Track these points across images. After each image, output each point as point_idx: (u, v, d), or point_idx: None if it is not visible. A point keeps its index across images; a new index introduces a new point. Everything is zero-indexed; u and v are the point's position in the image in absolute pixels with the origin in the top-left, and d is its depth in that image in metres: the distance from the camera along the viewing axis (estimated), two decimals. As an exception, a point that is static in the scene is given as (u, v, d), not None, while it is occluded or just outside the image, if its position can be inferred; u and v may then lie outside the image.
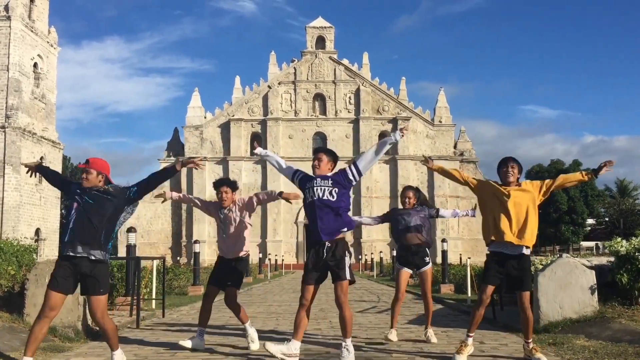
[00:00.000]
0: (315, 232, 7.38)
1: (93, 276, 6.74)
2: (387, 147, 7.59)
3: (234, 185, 8.88)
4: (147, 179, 7.06)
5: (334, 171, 7.71)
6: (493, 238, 7.54)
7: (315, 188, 7.44)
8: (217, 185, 8.81)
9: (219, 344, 9.02)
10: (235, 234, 8.71)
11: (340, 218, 7.39)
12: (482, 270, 7.82)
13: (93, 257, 6.70)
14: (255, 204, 8.75)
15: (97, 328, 7.68)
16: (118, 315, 12.19)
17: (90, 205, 6.76)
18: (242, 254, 8.80)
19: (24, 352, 6.59)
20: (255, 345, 8.59)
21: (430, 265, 9.43)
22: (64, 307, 9.29)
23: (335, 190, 7.44)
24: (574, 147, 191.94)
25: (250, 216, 8.85)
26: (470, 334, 7.62)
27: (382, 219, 9.64)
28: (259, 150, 8.20)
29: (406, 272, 9.34)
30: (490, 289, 7.59)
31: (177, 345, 8.82)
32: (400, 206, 9.67)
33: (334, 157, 7.85)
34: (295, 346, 7.31)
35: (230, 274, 8.72)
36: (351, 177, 7.57)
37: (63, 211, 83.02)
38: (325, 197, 7.40)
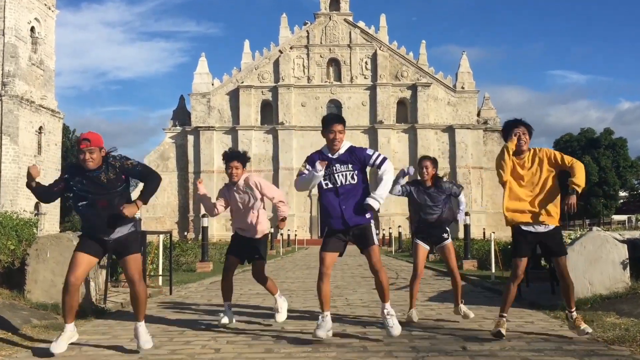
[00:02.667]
0: (338, 219, 7.47)
1: (126, 243, 7.09)
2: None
3: (245, 160, 8.89)
4: (146, 187, 7.13)
5: (345, 145, 7.65)
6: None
7: (336, 175, 7.51)
8: (228, 159, 8.78)
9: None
10: (254, 213, 8.78)
11: (362, 202, 7.47)
12: (511, 243, 7.80)
13: (123, 234, 7.04)
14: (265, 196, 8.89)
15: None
16: (123, 293, 12.30)
17: (105, 188, 6.91)
18: (264, 234, 8.91)
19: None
20: (280, 317, 8.70)
21: (450, 240, 9.37)
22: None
23: (355, 174, 7.51)
24: (609, 114, 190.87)
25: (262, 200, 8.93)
26: (504, 314, 7.63)
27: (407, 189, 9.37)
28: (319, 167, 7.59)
29: (424, 247, 9.23)
30: (523, 262, 7.58)
31: (184, 322, 8.92)
32: (417, 177, 9.54)
33: (345, 126, 7.81)
34: (329, 320, 7.50)
35: (253, 249, 8.85)
36: (371, 162, 7.56)
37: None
38: (347, 183, 7.49)
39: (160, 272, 14.73)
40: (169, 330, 8.40)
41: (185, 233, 62.17)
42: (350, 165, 7.51)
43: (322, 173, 7.40)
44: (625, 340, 7.20)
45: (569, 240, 11.33)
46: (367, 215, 7.51)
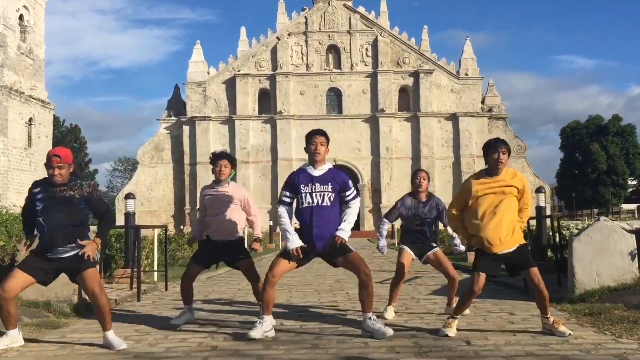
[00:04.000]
0: (309, 240, 7.64)
1: (80, 259, 7.15)
2: None
3: (234, 162, 9.05)
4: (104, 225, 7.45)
5: (327, 166, 7.83)
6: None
7: (314, 194, 7.68)
8: (216, 158, 8.90)
9: (224, 318, 9.12)
10: (231, 212, 8.84)
11: (335, 224, 7.66)
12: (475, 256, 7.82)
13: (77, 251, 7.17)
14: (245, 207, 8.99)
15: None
16: (117, 289, 12.33)
17: (66, 205, 7.13)
18: (239, 236, 8.98)
19: None
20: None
21: (438, 248, 9.49)
22: (59, 281, 9.42)
23: (333, 196, 7.71)
24: (619, 99, 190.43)
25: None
26: (457, 317, 7.74)
27: (395, 217, 9.51)
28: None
29: (409, 252, 9.29)
30: (483, 277, 7.58)
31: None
32: (409, 190, 9.71)
33: (328, 141, 7.98)
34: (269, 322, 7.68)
35: (232, 252, 8.87)
36: (347, 195, 7.77)
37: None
38: (324, 204, 7.67)
39: (156, 268, 14.76)
40: (165, 328, 8.42)
41: (182, 227, 62.10)
42: (330, 187, 7.69)
43: (290, 249, 7.64)
44: (634, 333, 7.23)
45: (576, 231, 11.35)
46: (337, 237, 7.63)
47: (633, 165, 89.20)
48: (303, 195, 7.66)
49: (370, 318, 7.56)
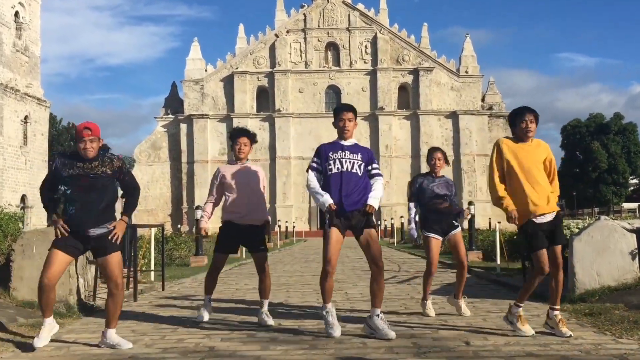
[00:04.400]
0: (337, 202, 7.60)
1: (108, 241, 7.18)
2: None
3: (253, 138, 8.89)
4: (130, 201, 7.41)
5: (354, 140, 7.87)
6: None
7: (344, 160, 7.68)
8: (236, 135, 8.76)
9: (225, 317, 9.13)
10: (258, 194, 8.72)
11: (364, 195, 7.66)
12: (526, 237, 7.61)
13: (106, 231, 7.16)
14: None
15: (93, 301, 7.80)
16: (113, 289, 12.33)
17: (97, 180, 7.06)
18: (265, 220, 8.80)
19: None
20: (270, 320, 8.60)
21: (460, 229, 9.42)
22: (54, 280, 9.42)
23: (362, 166, 7.75)
24: (621, 98, 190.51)
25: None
26: (521, 304, 7.58)
27: (415, 196, 9.36)
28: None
29: (436, 239, 9.19)
30: (544, 254, 7.46)
31: (177, 319, 8.95)
32: (424, 170, 9.65)
33: (356, 115, 8.01)
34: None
35: (254, 238, 8.69)
36: (373, 168, 7.85)
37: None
38: (354, 171, 7.68)
39: (152, 267, 14.75)
40: (161, 328, 8.42)
41: (179, 226, 62.19)
42: (359, 156, 7.75)
43: (324, 208, 7.61)
44: (634, 334, 7.23)
45: (576, 230, 11.35)
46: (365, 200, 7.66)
47: (634, 163, 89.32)
48: (332, 162, 7.69)
49: (378, 315, 7.51)
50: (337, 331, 7.49)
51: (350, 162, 7.67)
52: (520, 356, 6.38)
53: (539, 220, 7.44)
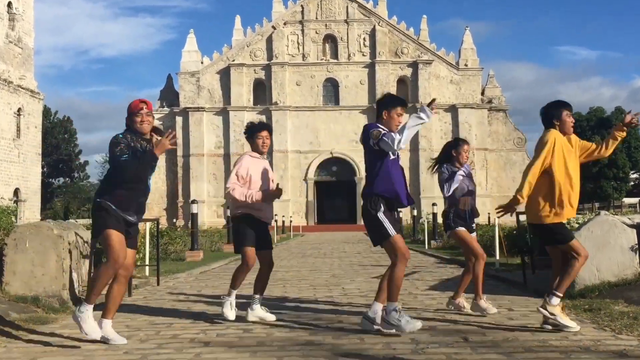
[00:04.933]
0: (404, 195, 7.53)
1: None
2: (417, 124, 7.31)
3: (272, 132, 8.91)
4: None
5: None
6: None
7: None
8: (257, 129, 8.65)
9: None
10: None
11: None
12: (556, 230, 7.45)
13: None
14: None
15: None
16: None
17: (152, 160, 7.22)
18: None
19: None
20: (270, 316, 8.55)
21: (475, 233, 9.39)
22: (48, 275, 9.44)
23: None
24: (622, 91, 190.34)
25: None
26: (560, 293, 7.38)
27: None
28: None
29: (467, 231, 9.05)
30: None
31: (172, 314, 8.96)
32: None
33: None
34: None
35: (266, 236, 8.64)
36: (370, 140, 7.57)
37: (45, 169, 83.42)
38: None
39: (147, 262, 14.75)
40: (156, 323, 8.42)
41: (174, 220, 62.14)
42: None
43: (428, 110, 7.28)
44: (634, 329, 7.25)
45: (576, 225, 11.36)
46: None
47: (635, 158, 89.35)
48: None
49: (396, 310, 7.35)
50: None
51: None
52: (519, 352, 6.39)
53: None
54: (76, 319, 6.91)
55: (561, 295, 7.38)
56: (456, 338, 7.12)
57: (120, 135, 7.08)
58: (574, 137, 7.75)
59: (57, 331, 7.81)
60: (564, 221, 7.45)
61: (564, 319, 7.29)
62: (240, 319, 8.56)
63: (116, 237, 6.89)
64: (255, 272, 8.68)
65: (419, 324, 7.24)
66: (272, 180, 8.68)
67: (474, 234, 9.29)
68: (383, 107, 7.78)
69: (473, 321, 8.25)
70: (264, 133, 8.63)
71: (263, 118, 69.51)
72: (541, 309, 7.42)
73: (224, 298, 8.55)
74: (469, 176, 9.21)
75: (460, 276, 9.41)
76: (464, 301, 9.13)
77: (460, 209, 9.01)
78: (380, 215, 7.42)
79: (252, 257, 8.39)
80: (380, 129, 7.46)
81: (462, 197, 9.02)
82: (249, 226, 8.43)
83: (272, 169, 8.93)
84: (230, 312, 8.38)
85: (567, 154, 7.45)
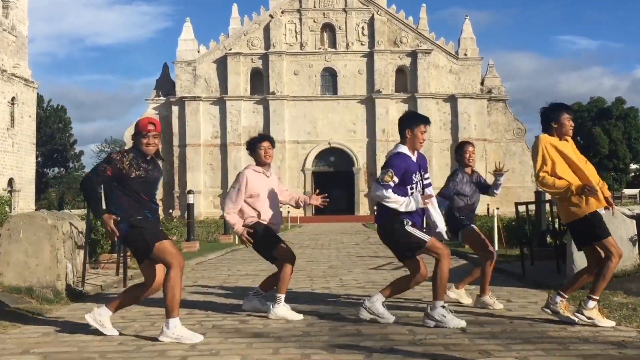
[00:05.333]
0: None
1: None
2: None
3: (274, 143, 8.82)
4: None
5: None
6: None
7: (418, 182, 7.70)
8: (258, 141, 8.62)
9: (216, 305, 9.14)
10: (278, 201, 8.70)
11: None
12: (594, 221, 7.33)
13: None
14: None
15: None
16: (103, 274, 12.36)
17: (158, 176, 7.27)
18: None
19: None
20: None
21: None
22: (42, 265, 9.45)
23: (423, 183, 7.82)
24: (624, 81, 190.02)
25: None
26: (596, 297, 7.30)
27: (452, 192, 9.16)
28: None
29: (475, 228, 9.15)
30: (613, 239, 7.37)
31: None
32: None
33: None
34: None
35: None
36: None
37: (39, 159, 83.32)
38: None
39: (143, 252, 14.74)
40: (151, 314, 8.44)
41: (171, 211, 62.10)
42: (422, 173, 7.76)
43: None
44: (633, 321, 7.28)
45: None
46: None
47: (635, 149, 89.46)
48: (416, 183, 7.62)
49: (443, 306, 7.43)
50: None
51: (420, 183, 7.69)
52: (517, 343, 6.41)
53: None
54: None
55: (597, 298, 7.32)
56: (454, 329, 7.13)
57: (125, 154, 7.10)
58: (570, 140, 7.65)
59: (51, 322, 7.82)
60: (599, 209, 7.38)
61: (602, 321, 7.19)
62: (237, 309, 8.58)
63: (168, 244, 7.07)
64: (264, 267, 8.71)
65: (463, 322, 7.31)
66: (279, 193, 8.68)
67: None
68: (406, 125, 7.79)
69: (471, 312, 8.27)
70: (265, 144, 8.55)
71: (260, 108, 69.58)
72: (546, 310, 7.50)
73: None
74: (472, 182, 9.21)
75: (481, 272, 9.22)
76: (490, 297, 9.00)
77: (461, 207, 9.07)
78: (409, 229, 7.49)
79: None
80: (390, 174, 7.43)
81: (476, 197, 9.22)
82: (265, 234, 8.37)
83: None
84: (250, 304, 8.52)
85: (565, 152, 7.40)
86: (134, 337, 6.97)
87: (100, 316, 7.06)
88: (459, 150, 9.32)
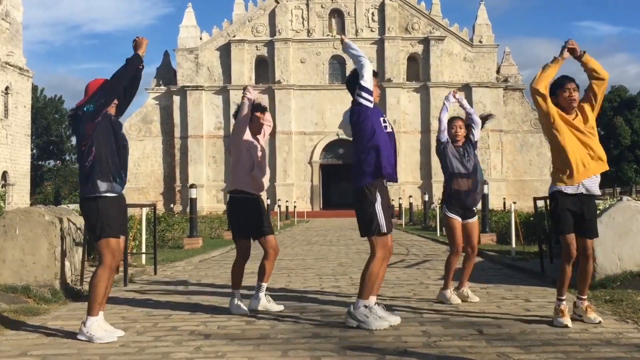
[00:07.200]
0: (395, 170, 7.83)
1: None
2: None
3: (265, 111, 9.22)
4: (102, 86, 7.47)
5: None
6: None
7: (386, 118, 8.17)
8: (262, 109, 9.19)
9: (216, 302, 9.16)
10: (265, 162, 8.88)
11: None
12: (553, 216, 7.58)
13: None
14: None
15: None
16: (102, 272, 12.35)
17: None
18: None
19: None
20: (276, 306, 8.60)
21: (477, 217, 9.45)
22: (39, 264, 9.47)
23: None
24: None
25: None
26: (562, 297, 7.43)
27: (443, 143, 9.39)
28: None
29: (458, 220, 9.21)
30: (573, 237, 7.41)
31: (171, 305, 8.98)
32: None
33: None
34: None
35: (260, 215, 8.62)
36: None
37: (34, 151, 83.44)
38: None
39: (144, 250, 14.78)
40: (153, 315, 8.44)
41: (172, 205, 62.33)
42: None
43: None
44: (659, 322, 7.26)
45: (597, 211, 11.34)
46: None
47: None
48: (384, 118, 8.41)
49: (366, 306, 7.51)
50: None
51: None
52: (537, 345, 6.40)
53: (569, 190, 7.40)
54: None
55: (562, 298, 7.48)
56: (470, 330, 7.13)
57: None
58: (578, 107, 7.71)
59: (49, 322, 7.84)
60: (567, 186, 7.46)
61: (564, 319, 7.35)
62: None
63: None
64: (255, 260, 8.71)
65: (389, 322, 7.39)
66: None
67: (475, 218, 9.36)
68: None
69: (488, 313, 8.26)
70: (257, 114, 9.08)
71: (265, 97, 69.47)
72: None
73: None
74: (464, 156, 9.24)
75: (461, 266, 9.47)
76: (468, 290, 9.23)
77: (454, 189, 9.16)
78: (377, 207, 7.56)
79: (247, 249, 8.63)
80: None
81: (462, 180, 9.18)
82: (239, 212, 8.55)
83: (276, 152, 9.09)
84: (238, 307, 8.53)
85: (569, 119, 7.47)
86: (136, 339, 6.97)
87: (89, 329, 6.90)
88: (448, 125, 9.57)
